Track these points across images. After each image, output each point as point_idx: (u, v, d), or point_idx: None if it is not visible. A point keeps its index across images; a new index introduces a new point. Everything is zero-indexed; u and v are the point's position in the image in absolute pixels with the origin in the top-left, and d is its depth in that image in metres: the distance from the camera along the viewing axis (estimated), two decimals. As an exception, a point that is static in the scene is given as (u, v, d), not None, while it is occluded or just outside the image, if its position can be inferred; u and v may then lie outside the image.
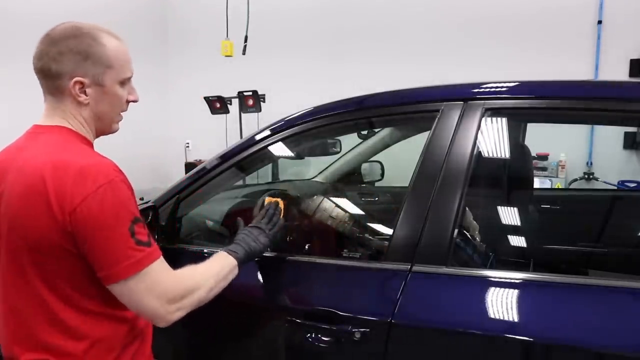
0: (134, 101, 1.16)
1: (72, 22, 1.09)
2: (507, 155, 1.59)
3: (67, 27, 1.07)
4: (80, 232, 0.97)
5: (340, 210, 1.90)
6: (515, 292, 1.18)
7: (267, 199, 1.38)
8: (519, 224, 1.76)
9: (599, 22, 4.38)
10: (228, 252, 1.23)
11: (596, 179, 4.36)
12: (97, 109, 1.11)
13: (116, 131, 1.19)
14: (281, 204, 1.39)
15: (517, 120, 1.86)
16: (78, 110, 1.09)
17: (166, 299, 1.03)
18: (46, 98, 1.11)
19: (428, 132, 1.39)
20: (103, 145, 1.26)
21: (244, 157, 1.64)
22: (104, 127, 1.16)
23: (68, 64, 1.05)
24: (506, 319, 1.14)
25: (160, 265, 1.04)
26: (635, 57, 4.27)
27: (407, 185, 1.38)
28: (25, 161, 1.03)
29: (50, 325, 1.04)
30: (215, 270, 1.17)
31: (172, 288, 1.05)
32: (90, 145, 1.13)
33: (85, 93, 1.08)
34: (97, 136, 1.17)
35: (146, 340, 1.21)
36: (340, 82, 4.29)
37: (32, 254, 1.01)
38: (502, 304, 1.17)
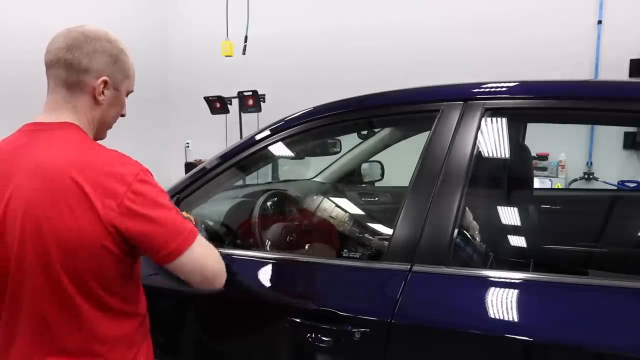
0: (122, 115, 1.22)
1: (99, 27, 1.13)
2: (507, 155, 1.58)
3: (98, 29, 1.11)
4: (133, 221, 1.00)
5: (340, 210, 1.90)
6: (515, 292, 1.18)
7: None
8: (518, 224, 1.76)
9: (599, 22, 4.38)
10: None
11: (596, 179, 4.36)
12: (106, 111, 1.14)
13: (104, 139, 1.22)
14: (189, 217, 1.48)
15: (517, 120, 1.86)
16: (90, 109, 1.11)
17: (219, 258, 1.14)
18: (57, 90, 1.08)
19: (428, 132, 1.39)
20: (104, 145, 1.26)
21: (244, 157, 1.64)
22: (101, 131, 1.19)
23: (100, 63, 1.08)
24: (506, 319, 1.14)
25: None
26: (635, 57, 4.27)
27: (407, 185, 1.38)
28: (40, 161, 1.00)
29: (76, 328, 1.03)
30: None
31: (215, 250, 1.16)
32: None
33: (103, 94, 1.10)
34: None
35: (149, 336, 1.24)
36: (341, 81, 4.29)
37: (65, 255, 0.98)
38: (502, 304, 1.17)
